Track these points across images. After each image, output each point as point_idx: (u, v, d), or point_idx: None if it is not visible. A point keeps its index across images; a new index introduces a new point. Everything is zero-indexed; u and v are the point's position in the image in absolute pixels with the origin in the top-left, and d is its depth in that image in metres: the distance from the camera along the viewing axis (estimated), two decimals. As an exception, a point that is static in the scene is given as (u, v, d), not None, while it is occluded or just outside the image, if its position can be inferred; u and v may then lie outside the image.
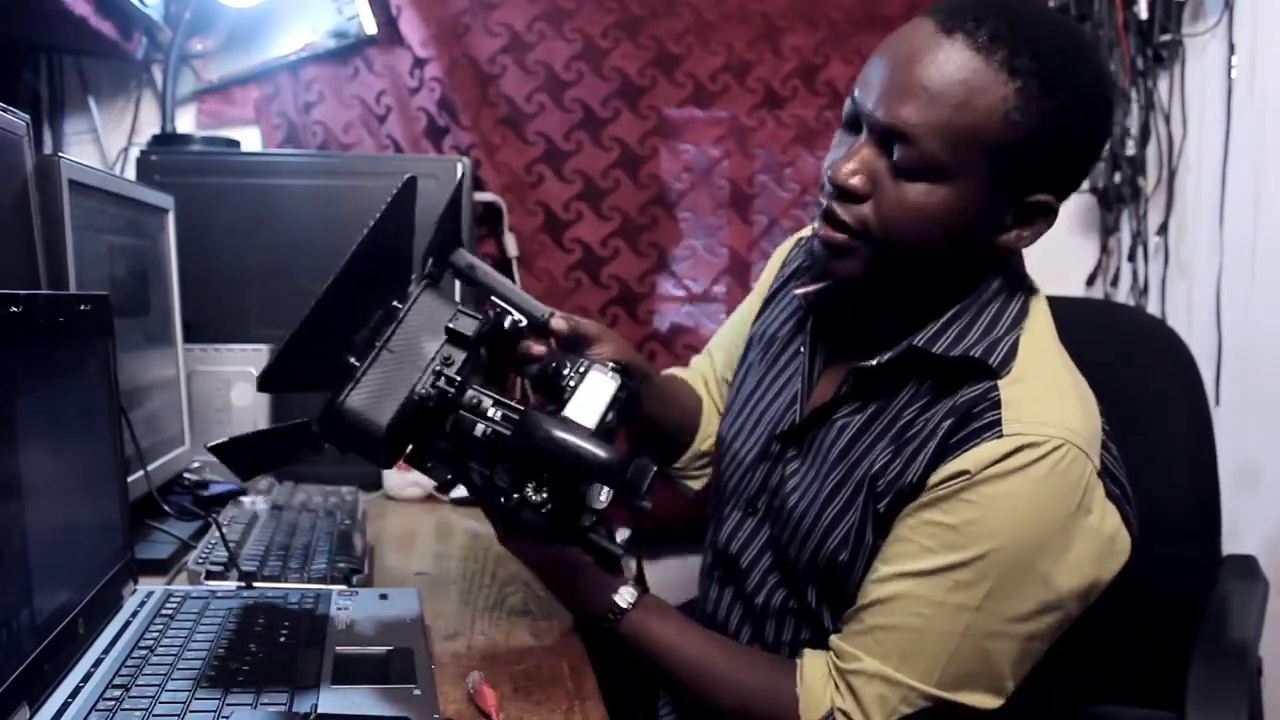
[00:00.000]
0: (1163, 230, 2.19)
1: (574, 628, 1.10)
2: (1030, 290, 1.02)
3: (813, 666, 0.96)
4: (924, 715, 0.93)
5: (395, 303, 0.93)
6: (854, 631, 0.96)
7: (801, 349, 1.11)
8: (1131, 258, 2.20)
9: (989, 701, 0.94)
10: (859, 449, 1.00)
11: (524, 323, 0.99)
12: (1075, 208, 2.23)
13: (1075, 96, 0.90)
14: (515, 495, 0.92)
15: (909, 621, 0.92)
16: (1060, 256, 2.23)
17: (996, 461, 0.89)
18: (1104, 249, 2.21)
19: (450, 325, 0.91)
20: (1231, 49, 2.08)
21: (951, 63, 0.87)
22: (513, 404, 0.91)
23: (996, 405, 0.91)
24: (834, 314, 1.10)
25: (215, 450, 0.86)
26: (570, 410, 0.94)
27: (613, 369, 0.97)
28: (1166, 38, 2.10)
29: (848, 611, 0.98)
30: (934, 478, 0.92)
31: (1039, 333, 0.99)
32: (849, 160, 0.93)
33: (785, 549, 1.05)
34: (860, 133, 0.94)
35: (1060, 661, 1.00)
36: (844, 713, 0.93)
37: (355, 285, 0.88)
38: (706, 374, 1.32)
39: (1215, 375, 2.07)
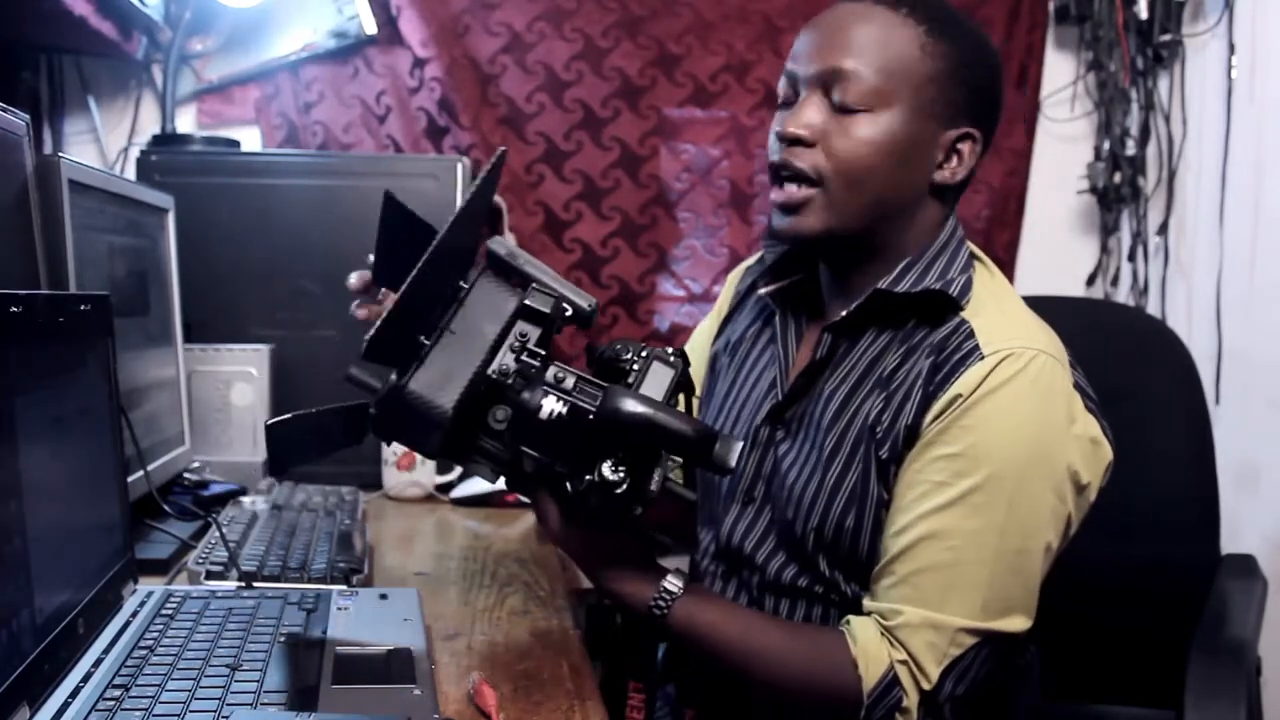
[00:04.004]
0: (1163, 230, 2.19)
1: (574, 626, 1.10)
2: (975, 256, 1.09)
3: (863, 629, 0.97)
4: (971, 652, 0.95)
5: (461, 282, 0.91)
6: (887, 586, 0.98)
7: (773, 341, 1.15)
8: (1131, 258, 2.20)
9: (1024, 623, 0.98)
10: (850, 408, 1.03)
11: (569, 311, 0.94)
12: (1075, 207, 2.24)
13: (965, 40, 1.05)
14: (588, 477, 0.88)
15: (941, 558, 0.95)
16: (1060, 256, 2.23)
17: (985, 379, 0.95)
18: (1104, 249, 2.21)
19: (527, 302, 0.89)
20: (1231, 49, 2.08)
21: (869, 17, 1.03)
22: (595, 380, 0.89)
23: (971, 334, 0.98)
24: (799, 304, 1.15)
25: (271, 429, 0.84)
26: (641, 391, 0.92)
27: (673, 355, 0.95)
28: (1166, 38, 2.10)
29: (875, 570, 1.00)
30: (929, 415, 0.97)
31: (988, 275, 1.08)
32: (795, 116, 1.02)
33: (791, 527, 1.05)
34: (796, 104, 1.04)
35: (1060, 660, 1.00)
36: (903, 663, 0.95)
37: (444, 265, 0.86)
38: None
39: (1215, 375, 2.07)
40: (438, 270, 0.85)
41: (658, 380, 0.93)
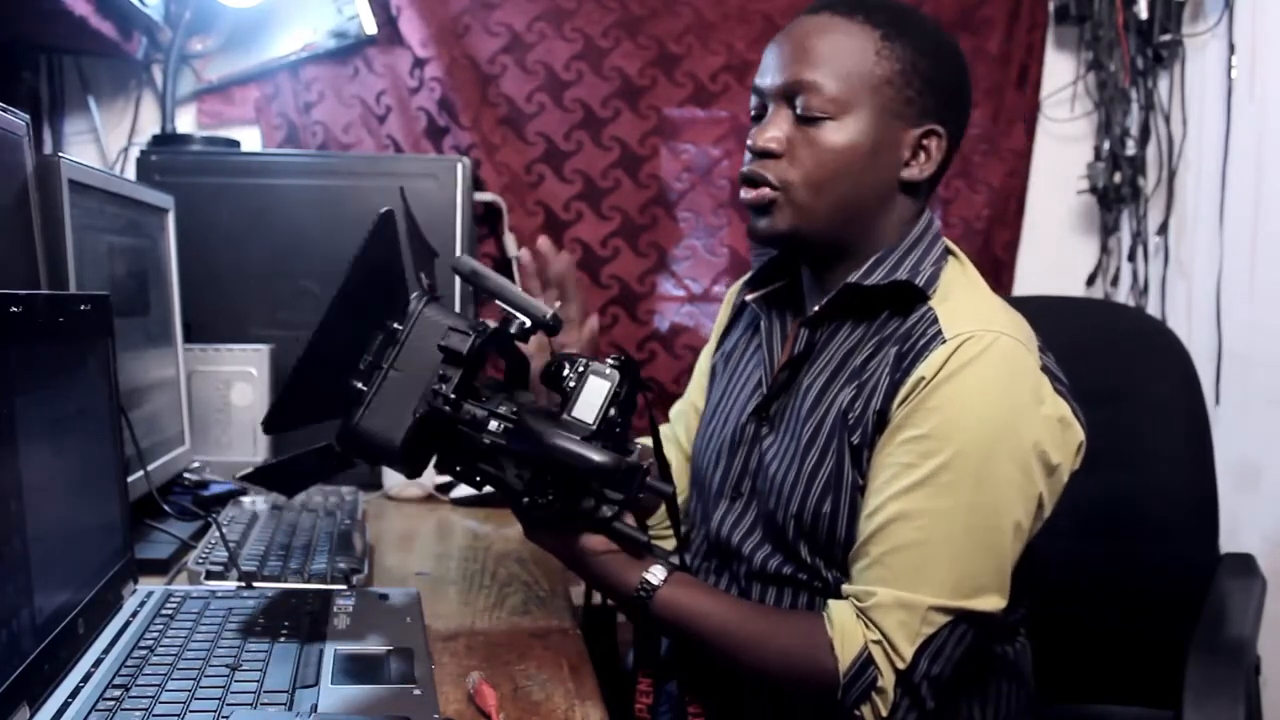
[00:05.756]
0: (1163, 230, 2.19)
1: (575, 624, 1.10)
2: (949, 250, 1.12)
3: (839, 611, 0.99)
4: (945, 631, 0.97)
5: (395, 324, 0.95)
6: (861, 568, 1.00)
7: (760, 345, 1.18)
8: (1131, 258, 2.20)
9: (998, 602, 0.99)
10: (826, 399, 1.06)
11: (529, 324, 1.00)
12: (1075, 208, 2.24)
13: (923, 40, 1.08)
14: (525, 498, 0.95)
15: (910, 538, 0.97)
16: (1060, 256, 2.23)
17: (947, 361, 0.98)
18: (1104, 249, 2.21)
19: (442, 343, 0.93)
20: (1231, 49, 2.08)
21: (825, 28, 1.07)
22: (509, 414, 0.94)
23: (935, 320, 1.02)
24: (784, 308, 1.18)
25: (250, 479, 0.91)
26: (573, 410, 0.96)
27: (611, 365, 0.99)
28: (1166, 38, 2.10)
29: (850, 554, 1.02)
30: (896, 400, 1.00)
31: (959, 269, 1.10)
32: (763, 129, 1.07)
33: (773, 516, 1.08)
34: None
35: (1060, 660, 1.01)
36: (877, 643, 0.96)
37: (347, 319, 0.90)
38: (679, 434, 1.35)
39: (1215, 375, 2.07)
40: (337, 337, 0.90)
41: (591, 396, 0.97)
